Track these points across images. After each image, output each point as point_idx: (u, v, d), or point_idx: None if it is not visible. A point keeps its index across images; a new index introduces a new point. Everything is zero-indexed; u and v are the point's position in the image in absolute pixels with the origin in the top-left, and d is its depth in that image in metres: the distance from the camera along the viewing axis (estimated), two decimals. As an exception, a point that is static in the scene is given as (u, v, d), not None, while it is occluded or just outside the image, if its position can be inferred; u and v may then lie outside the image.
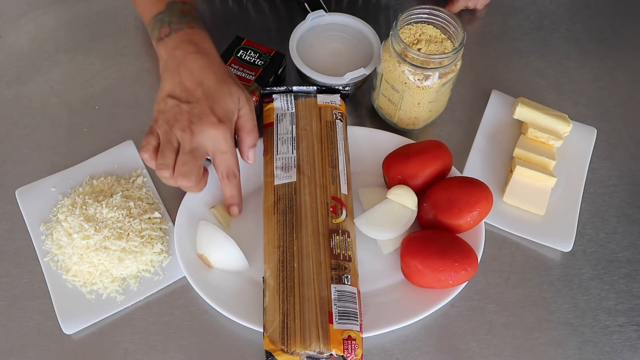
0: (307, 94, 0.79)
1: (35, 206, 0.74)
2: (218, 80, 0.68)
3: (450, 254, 0.67)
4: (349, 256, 0.67)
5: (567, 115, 0.81)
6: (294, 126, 0.76)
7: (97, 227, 0.69)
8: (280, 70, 0.82)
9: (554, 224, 0.76)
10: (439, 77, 0.73)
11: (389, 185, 0.75)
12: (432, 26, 0.75)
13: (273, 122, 0.77)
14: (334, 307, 0.63)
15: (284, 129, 0.76)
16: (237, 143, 0.73)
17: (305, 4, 0.87)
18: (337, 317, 0.63)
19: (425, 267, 0.67)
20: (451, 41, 0.75)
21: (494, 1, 0.96)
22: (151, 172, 0.77)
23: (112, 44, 0.90)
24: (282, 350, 0.61)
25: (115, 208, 0.71)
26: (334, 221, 0.69)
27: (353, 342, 0.62)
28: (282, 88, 0.79)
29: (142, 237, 0.70)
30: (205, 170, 0.69)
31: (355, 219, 0.72)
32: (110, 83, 0.86)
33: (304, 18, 0.83)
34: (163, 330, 0.68)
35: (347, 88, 0.80)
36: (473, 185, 0.71)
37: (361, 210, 0.74)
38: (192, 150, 0.65)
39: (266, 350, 0.62)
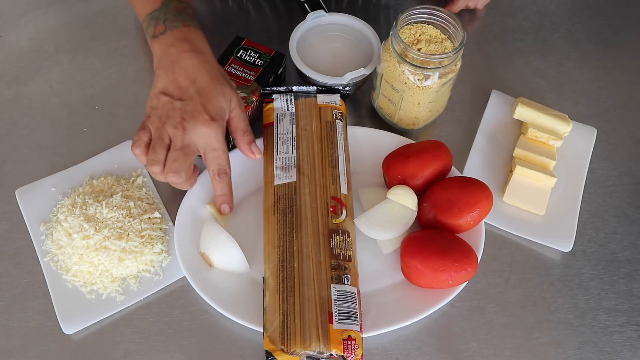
0: (307, 94, 0.79)
1: (35, 206, 0.74)
2: (211, 78, 0.69)
3: (450, 254, 0.67)
4: (349, 256, 0.67)
5: (567, 115, 0.81)
6: (294, 126, 0.76)
7: (97, 227, 0.69)
8: (280, 70, 0.82)
9: (554, 224, 0.76)
10: (439, 77, 0.73)
11: (389, 185, 0.75)
12: (432, 26, 0.75)
13: (273, 122, 0.77)
14: (334, 307, 0.63)
15: (284, 129, 0.76)
16: (235, 145, 0.73)
17: (305, 4, 0.87)
18: (337, 317, 0.63)
19: (425, 267, 0.67)
20: (451, 41, 0.75)
21: (494, 1, 0.96)
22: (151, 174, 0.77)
23: (112, 44, 0.90)
24: (282, 350, 0.61)
25: (115, 208, 0.71)
26: (334, 221, 0.69)
27: (353, 342, 0.62)
28: (282, 88, 0.79)
29: (142, 237, 0.70)
30: (196, 168, 0.69)
31: (355, 219, 0.72)
32: (110, 83, 0.86)
33: (304, 18, 0.83)
34: (163, 330, 0.68)
35: (347, 88, 0.80)
36: (473, 185, 0.71)
37: (361, 210, 0.74)
38: (183, 147, 0.66)
39: (266, 350, 0.62)
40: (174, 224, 0.72)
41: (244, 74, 0.79)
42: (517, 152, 0.79)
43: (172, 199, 0.75)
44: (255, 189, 0.76)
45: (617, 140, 0.84)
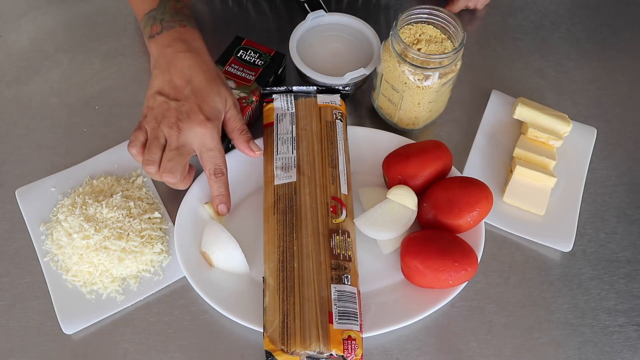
0: (307, 94, 0.79)
1: (35, 206, 0.74)
2: (207, 79, 0.69)
3: (450, 254, 0.67)
4: (349, 256, 0.67)
5: (567, 115, 0.81)
6: (294, 126, 0.76)
7: (97, 227, 0.69)
8: (280, 70, 0.82)
9: (554, 224, 0.76)
10: (439, 77, 0.73)
11: (389, 185, 0.75)
12: (432, 26, 0.75)
13: (273, 122, 0.77)
14: (334, 307, 0.63)
15: (284, 129, 0.76)
16: (233, 146, 0.73)
17: (305, 4, 0.87)
18: (337, 317, 0.63)
19: (425, 267, 0.67)
20: (451, 41, 0.75)
21: (494, 1, 0.96)
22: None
23: (112, 44, 0.90)
24: (282, 350, 0.61)
25: (115, 208, 0.71)
26: (334, 221, 0.69)
27: (353, 342, 0.62)
28: (282, 88, 0.79)
29: (142, 237, 0.70)
30: (191, 167, 0.69)
31: (355, 219, 0.72)
32: (109, 83, 0.86)
33: (304, 18, 0.83)
34: (163, 330, 0.68)
35: (347, 88, 0.80)
36: (473, 185, 0.71)
37: (361, 210, 0.74)
38: (178, 147, 0.66)
39: (266, 350, 0.62)
40: (174, 224, 0.72)
41: (244, 74, 0.79)
42: (517, 152, 0.79)
43: (172, 199, 0.75)
44: (255, 189, 0.76)
45: (617, 140, 0.84)
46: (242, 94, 0.77)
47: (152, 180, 0.77)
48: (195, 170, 0.71)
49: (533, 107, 0.80)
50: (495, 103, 0.85)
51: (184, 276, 0.69)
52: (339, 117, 0.77)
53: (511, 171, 0.78)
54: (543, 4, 0.98)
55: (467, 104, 0.86)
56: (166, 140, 0.67)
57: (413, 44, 0.74)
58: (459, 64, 0.75)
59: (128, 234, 0.70)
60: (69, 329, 0.67)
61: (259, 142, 0.76)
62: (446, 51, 0.74)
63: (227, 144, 0.76)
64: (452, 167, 0.76)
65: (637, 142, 0.85)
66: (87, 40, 0.90)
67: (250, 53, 0.81)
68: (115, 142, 0.80)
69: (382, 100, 0.80)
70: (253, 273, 0.70)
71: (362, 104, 0.85)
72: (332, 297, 0.64)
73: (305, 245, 0.67)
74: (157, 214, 0.73)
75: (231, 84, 0.78)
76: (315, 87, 0.79)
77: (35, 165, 0.78)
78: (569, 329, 0.71)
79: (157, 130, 0.67)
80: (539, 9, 0.97)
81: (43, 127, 0.82)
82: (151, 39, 0.72)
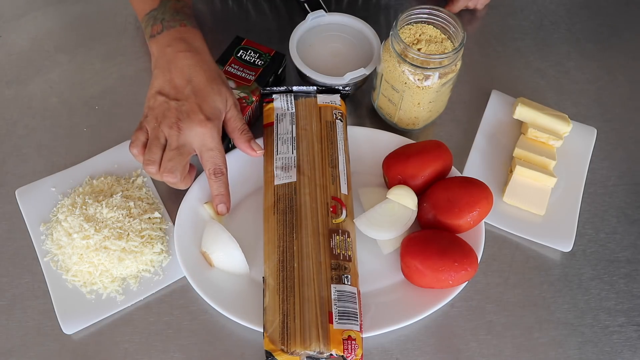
0: (307, 94, 0.79)
1: (35, 206, 0.74)
2: (207, 78, 0.69)
3: (450, 254, 0.67)
4: (349, 256, 0.67)
5: (567, 115, 0.81)
6: (294, 126, 0.76)
7: (97, 227, 0.69)
8: (280, 70, 0.82)
9: (554, 224, 0.76)
10: (439, 77, 0.73)
11: (389, 185, 0.75)
12: (432, 26, 0.75)
13: (273, 122, 0.77)
14: (334, 307, 0.63)
15: (284, 129, 0.76)
16: (233, 146, 0.73)
17: (305, 4, 0.87)
18: (337, 317, 0.63)
19: (425, 267, 0.67)
20: (451, 41, 0.75)
21: (494, 1, 0.96)
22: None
23: (112, 44, 0.90)
24: (282, 350, 0.61)
25: (115, 208, 0.71)
26: (334, 221, 0.69)
27: (353, 342, 0.62)
28: (282, 88, 0.79)
29: (142, 237, 0.70)
30: (192, 167, 0.69)
31: (355, 219, 0.72)
32: (110, 83, 0.86)
33: (304, 18, 0.83)
34: (163, 330, 0.68)
35: (347, 88, 0.80)
36: (473, 185, 0.71)
37: (361, 210, 0.74)
38: (178, 147, 0.66)
39: (266, 350, 0.62)
40: (174, 224, 0.72)
41: (244, 74, 0.79)
42: (517, 152, 0.79)
43: (172, 199, 0.75)
44: (255, 189, 0.76)
45: (617, 140, 0.84)
46: (242, 94, 0.77)
47: (152, 180, 0.77)
48: (196, 170, 0.71)
49: (533, 107, 0.80)
50: (495, 103, 0.85)
51: (184, 276, 0.69)
52: (339, 117, 0.77)
53: (511, 171, 0.78)
54: (543, 4, 0.98)
55: (467, 104, 0.86)
56: (167, 140, 0.67)
57: (413, 44, 0.74)
58: (459, 64, 0.75)
59: (128, 234, 0.70)
60: (69, 329, 0.67)
61: (259, 142, 0.76)
62: (446, 51, 0.74)
63: (227, 144, 0.76)
64: (452, 167, 0.76)
65: (637, 142, 0.85)
66: (87, 40, 0.90)
67: (250, 53, 0.81)
68: (115, 142, 0.80)
69: (382, 100, 0.80)
70: (253, 273, 0.70)
71: (362, 104, 0.85)
72: (332, 297, 0.64)
73: (305, 245, 0.67)
74: (157, 214, 0.73)
75: (231, 84, 0.78)
76: (315, 87, 0.79)
77: (35, 165, 0.78)
78: (569, 329, 0.71)
79: (157, 130, 0.67)
80: (539, 9, 0.97)
81: (43, 127, 0.82)
82: (152, 39, 0.72)
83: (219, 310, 0.66)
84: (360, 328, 0.63)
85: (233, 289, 0.68)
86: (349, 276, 0.66)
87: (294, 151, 0.74)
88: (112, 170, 0.77)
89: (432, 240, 0.68)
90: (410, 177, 0.73)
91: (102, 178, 0.76)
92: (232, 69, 0.79)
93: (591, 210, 0.78)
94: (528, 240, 0.75)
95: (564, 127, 0.80)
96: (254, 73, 0.79)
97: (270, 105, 0.78)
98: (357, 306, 0.65)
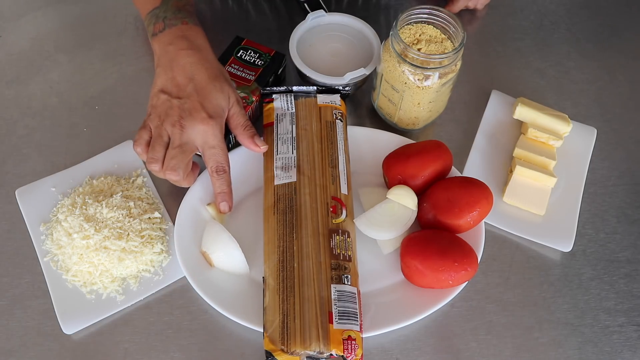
0: (307, 94, 0.79)
1: (35, 206, 0.74)
2: (209, 76, 0.69)
3: (450, 254, 0.67)
4: (349, 256, 0.67)
5: (567, 115, 0.81)
6: (294, 126, 0.76)
7: (97, 227, 0.69)
8: (280, 70, 0.82)
9: (554, 224, 0.76)
10: (439, 77, 0.73)
11: (389, 185, 0.75)
12: (432, 26, 0.75)
13: (273, 122, 0.77)
14: (334, 307, 0.63)
15: (284, 129, 0.76)
16: (235, 145, 0.73)
17: (305, 4, 0.87)
18: (337, 317, 0.63)
19: (425, 267, 0.67)
20: (451, 41, 0.75)
21: (494, 1, 0.96)
22: (151, 172, 0.77)
23: (112, 44, 0.90)
24: (282, 350, 0.61)
25: (115, 208, 0.71)
26: (334, 221, 0.69)
27: (353, 342, 0.62)
28: (282, 88, 0.79)
29: (142, 237, 0.70)
30: (195, 165, 0.70)
31: (355, 219, 0.72)
32: (110, 83, 0.86)
33: (304, 18, 0.83)
34: (163, 330, 0.68)
35: (347, 88, 0.80)
36: (473, 185, 0.71)
37: (361, 210, 0.74)
38: (181, 145, 0.66)
39: (266, 350, 0.62)
40: (174, 224, 0.72)
41: (244, 74, 0.79)
42: (517, 152, 0.79)
43: (172, 199, 0.75)
44: (255, 189, 0.76)
45: (617, 140, 0.84)
46: (242, 94, 0.77)
47: (152, 180, 0.77)
48: (199, 168, 0.71)
49: (533, 107, 0.80)
50: (495, 103, 0.85)
51: (184, 276, 0.69)
52: (339, 117, 0.77)
53: (511, 171, 0.78)
54: (543, 4, 0.98)
55: (467, 104, 0.86)
56: (170, 138, 0.67)
57: (413, 44, 0.74)
58: (459, 64, 0.74)
59: (128, 234, 0.70)
60: (69, 329, 0.67)
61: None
62: (446, 51, 0.74)
63: (229, 141, 0.76)
64: (452, 167, 0.76)
65: (637, 142, 0.85)
66: (87, 40, 0.90)
67: (250, 53, 0.81)
68: (115, 142, 0.80)
69: (382, 100, 0.80)
70: (253, 273, 0.70)
71: (362, 104, 0.85)
72: (332, 297, 0.64)
73: (305, 245, 0.67)
74: (157, 214, 0.73)
75: (231, 84, 0.78)
76: (315, 87, 0.79)
77: (35, 165, 0.78)
78: (569, 329, 0.71)
79: (160, 129, 0.67)
80: (539, 9, 0.97)
81: (43, 127, 0.82)
82: (154, 37, 0.72)
83: (219, 310, 0.66)
84: (360, 328, 0.63)
85: (233, 289, 0.68)
86: (349, 276, 0.66)
87: (294, 151, 0.74)
88: (112, 170, 0.77)
89: (432, 240, 0.68)
90: (410, 177, 0.73)
91: (102, 178, 0.76)
92: (232, 69, 0.79)
93: (591, 210, 0.78)
94: (528, 240, 0.75)
95: (564, 127, 0.80)
96: (254, 73, 0.79)
97: (270, 105, 0.78)
98: (357, 306, 0.65)
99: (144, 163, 0.76)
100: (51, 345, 0.67)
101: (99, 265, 0.69)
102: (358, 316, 0.64)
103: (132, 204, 0.72)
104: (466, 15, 0.95)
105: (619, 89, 0.89)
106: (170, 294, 0.70)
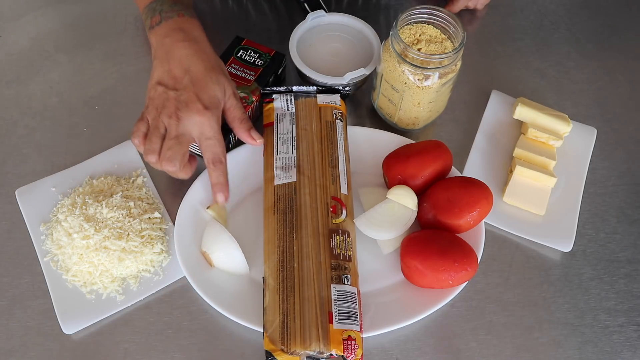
0: (307, 94, 0.79)
1: (35, 206, 0.74)
2: (206, 67, 0.69)
3: (450, 254, 0.67)
4: (349, 256, 0.67)
5: (567, 115, 0.81)
6: (294, 126, 0.76)
7: (97, 227, 0.69)
8: (280, 70, 0.82)
9: (554, 224, 0.76)
10: (439, 77, 0.73)
11: (389, 185, 0.75)
12: (432, 26, 0.75)
13: (273, 122, 0.77)
14: (334, 307, 0.63)
15: (284, 129, 0.76)
16: (235, 145, 0.73)
17: (305, 4, 0.87)
18: (337, 317, 0.63)
19: (425, 267, 0.67)
20: (451, 41, 0.75)
21: (494, 1, 0.96)
22: (151, 172, 0.77)
23: (112, 44, 0.90)
24: (282, 350, 0.61)
25: (115, 208, 0.71)
26: (334, 221, 0.69)
27: (353, 342, 0.62)
28: (282, 88, 0.79)
29: (142, 237, 0.70)
30: (193, 158, 0.70)
31: (355, 219, 0.72)
32: (110, 83, 0.86)
33: (304, 18, 0.83)
34: (163, 330, 0.68)
35: (347, 88, 0.80)
36: (473, 185, 0.71)
37: (361, 210, 0.74)
38: (177, 136, 0.67)
39: (266, 350, 0.62)
40: (174, 224, 0.72)
41: (244, 74, 0.79)
42: (517, 152, 0.79)
43: (172, 199, 0.75)
44: (255, 189, 0.76)
45: (617, 140, 0.84)
46: (242, 94, 0.77)
47: (152, 180, 0.77)
48: (197, 161, 0.71)
49: (533, 107, 0.80)
50: (495, 103, 0.85)
51: (184, 276, 0.69)
52: (339, 117, 0.77)
53: (511, 171, 0.78)
54: (543, 4, 0.98)
55: (467, 104, 0.86)
56: (166, 130, 0.67)
57: (413, 44, 0.74)
58: (459, 64, 0.74)
59: (128, 234, 0.70)
60: (69, 329, 0.67)
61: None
62: (446, 51, 0.74)
63: (229, 141, 0.76)
64: (452, 167, 0.76)
65: (637, 142, 0.85)
66: (87, 40, 0.90)
67: (250, 53, 0.81)
68: (115, 142, 0.80)
69: (382, 100, 0.80)
70: (253, 273, 0.70)
71: (362, 104, 0.85)
72: (332, 297, 0.64)
73: (305, 245, 0.67)
74: (157, 214, 0.73)
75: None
76: (315, 87, 0.79)
77: (35, 165, 0.78)
78: (569, 329, 0.71)
79: (157, 120, 0.67)
80: (539, 9, 0.97)
81: (43, 127, 0.82)
82: (151, 30, 0.73)
83: (219, 310, 0.66)
84: (360, 328, 0.63)
85: (233, 289, 0.68)
86: (349, 276, 0.66)
87: (294, 151, 0.74)
88: (112, 170, 0.77)
89: (432, 240, 0.68)
90: (410, 177, 0.73)
91: (102, 178, 0.76)
92: (232, 69, 0.79)
93: (591, 210, 0.78)
94: (528, 240, 0.75)
95: (564, 127, 0.80)
96: (254, 73, 0.79)
97: (270, 105, 0.78)
98: (357, 306, 0.65)
99: (141, 156, 0.77)
100: (51, 345, 0.67)
101: (99, 265, 0.69)
102: (358, 316, 0.64)
103: (132, 204, 0.72)
104: (466, 15, 0.95)
105: (619, 89, 0.89)
106: (170, 294, 0.70)
